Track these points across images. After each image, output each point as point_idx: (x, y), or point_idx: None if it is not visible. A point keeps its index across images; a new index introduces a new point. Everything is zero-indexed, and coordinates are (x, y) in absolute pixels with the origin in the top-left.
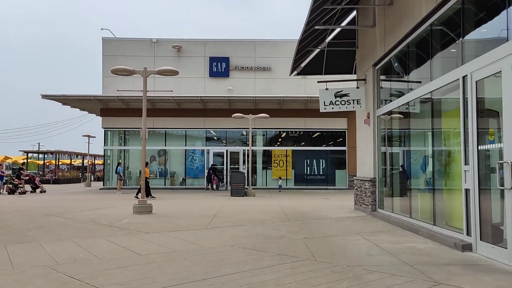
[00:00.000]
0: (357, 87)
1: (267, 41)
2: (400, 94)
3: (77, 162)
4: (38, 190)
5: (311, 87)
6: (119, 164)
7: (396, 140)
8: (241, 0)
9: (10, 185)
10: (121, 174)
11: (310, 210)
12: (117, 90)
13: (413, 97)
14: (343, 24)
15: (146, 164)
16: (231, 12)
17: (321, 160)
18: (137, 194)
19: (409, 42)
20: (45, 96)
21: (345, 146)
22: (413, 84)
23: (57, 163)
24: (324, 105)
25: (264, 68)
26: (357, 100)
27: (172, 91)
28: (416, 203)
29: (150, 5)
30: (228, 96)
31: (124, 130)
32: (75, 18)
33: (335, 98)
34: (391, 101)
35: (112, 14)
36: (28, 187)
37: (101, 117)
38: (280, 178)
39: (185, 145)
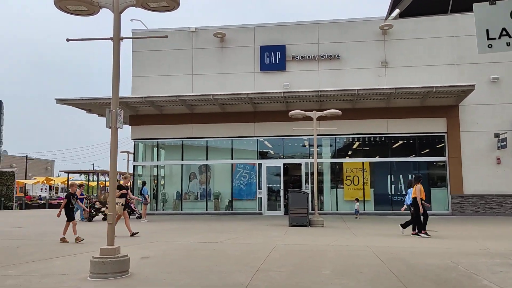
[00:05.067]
0: None
1: (333, 22)
2: None
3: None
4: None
5: (394, 78)
6: (143, 184)
7: None
8: None
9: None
10: (146, 196)
11: (443, 266)
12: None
13: None
14: None
15: (419, 179)
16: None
17: (410, 176)
18: (414, 229)
19: None
20: (60, 101)
21: (444, 155)
22: None
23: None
24: (488, 38)
25: (330, 56)
26: None
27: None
28: None
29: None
30: (284, 92)
31: (158, 142)
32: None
33: None
34: None
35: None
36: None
37: (130, 126)
38: (356, 200)
39: (232, 158)
